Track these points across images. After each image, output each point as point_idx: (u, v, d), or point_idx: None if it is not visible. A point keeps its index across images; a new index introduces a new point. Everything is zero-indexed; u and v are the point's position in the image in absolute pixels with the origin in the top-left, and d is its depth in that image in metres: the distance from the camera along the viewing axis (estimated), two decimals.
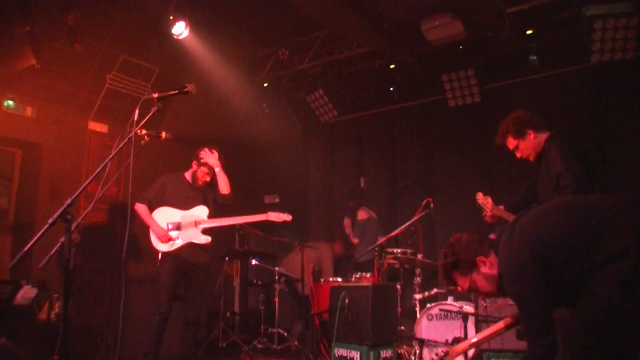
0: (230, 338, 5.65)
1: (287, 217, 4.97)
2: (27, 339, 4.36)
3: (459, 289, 2.48)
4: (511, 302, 4.01)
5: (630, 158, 5.37)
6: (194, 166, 4.77)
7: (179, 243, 4.59)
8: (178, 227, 4.63)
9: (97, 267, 5.98)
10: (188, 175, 4.82)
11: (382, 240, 5.33)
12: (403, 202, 6.85)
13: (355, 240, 6.55)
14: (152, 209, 4.67)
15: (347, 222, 6.75)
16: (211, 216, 4.75)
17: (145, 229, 4.70)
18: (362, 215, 6.58)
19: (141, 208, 4.62)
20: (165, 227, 4.60)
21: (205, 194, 4.83)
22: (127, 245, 2.82)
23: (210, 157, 4.74)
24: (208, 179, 4.77)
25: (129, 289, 5.74)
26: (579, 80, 5.81)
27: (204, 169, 4.73)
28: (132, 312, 5.79)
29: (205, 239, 4.66)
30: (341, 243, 6.93)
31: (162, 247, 4.57)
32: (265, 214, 4.91)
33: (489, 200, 3.84)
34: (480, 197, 3.89)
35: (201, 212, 4.72)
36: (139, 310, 5.76)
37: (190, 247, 4.62)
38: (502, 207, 3.81)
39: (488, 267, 2.36)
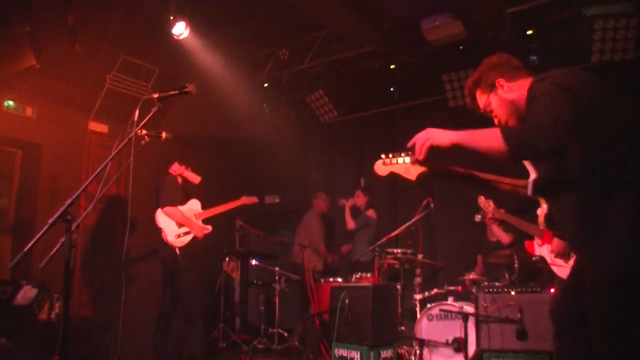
0: (230, 338, 5.64)
1: (254, 199, 5.78)
2: (27, 339, 4.36)
3: (480, 107, 2.46)
4: (511, 302, 4.03)
5: None
6: (176, 166, 5.24)
7: (189, 237, 4.97)
8: None
9: (97, 267, 5.97)
10: (172, 172, 5.23)
11: (382, 240, 5.34)
12: (403, 202, 6.85)
13: (352, 226, 6.51)
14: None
15: (349, 204, 6.70)
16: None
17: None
18: (372, 213, 6.57)
19: (174, 210, 4.96)
20: (177, 227, 4.95)
21: (188, 188, 5.31)
22: (127, 245, 2.82)
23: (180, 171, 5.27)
24: (183, 173, 5.28)
25: (129, 289, 5.75)
26: None
27: (174, 168, 5.23)
28: (132, 312, 5.79)
29: (208, 228, 5.12)
30: (333, 252, 6.93)
31: (179, 242, 4.92)
32: (239, 199, 5.59)
33: (491, 203, 3.85)
34: (481, 200, 3.90)
35: (195, 204, 5.23)
36: (139, 310, 5.76)
37: (195, 237, 5.03)
38: (502, 210, 3.81)
39: (505, 91, 2.33)
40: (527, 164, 2.30)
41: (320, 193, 6.98)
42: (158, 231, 5.00)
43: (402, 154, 2.36)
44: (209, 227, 5.16)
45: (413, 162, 2.32)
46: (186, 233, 4.98)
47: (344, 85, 7.12)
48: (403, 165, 2.34)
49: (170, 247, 4.92)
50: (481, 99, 2.46)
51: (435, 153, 2.15)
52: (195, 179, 5.30)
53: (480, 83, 2.41)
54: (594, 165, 2.00)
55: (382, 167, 2.37)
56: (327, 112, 7.21)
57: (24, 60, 4.93)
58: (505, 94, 2.33)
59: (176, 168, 5.23)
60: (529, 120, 2.02)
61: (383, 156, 2.39)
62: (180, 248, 4.93)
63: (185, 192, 5.25)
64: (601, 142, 1.99)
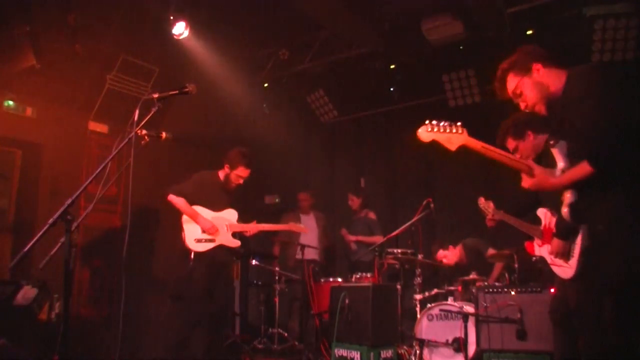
0: (230, 338, 5.64)
1: (306, 230, 5.51)
2: (27, 339, 4.36)
3: (508, 91, 2.55)
4: (511, 302, 4.03)
5: None
6: (227, 169, 4.77)
7: (212, 244, 4.62)
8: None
9: (97, 267, 5.97)
10: (221, 175, 4.82)
11: (379, 239, 5.34)
12: (403, 202, 6.85)
13: (355, 247, 6.49)
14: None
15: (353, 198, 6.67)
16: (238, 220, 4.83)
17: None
18: (373, 215, 6.58)
19: (180, 201, 4.58)
20: (201, 232, 4.60)
21: (230, 196, 4.88)
22: (127, 245, 2.82)
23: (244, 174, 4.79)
24: (241, 182, 4.80)
25: (129, 289, 5.74)
26: None
27: (237, 173, 4.73)
28: (132, 312, 5.79)
29: (235, 242, 4.73)
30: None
31: (197, 247, 4.58)
32: (288, 224, 5.34)
33: (490, 204, 3.84)
34: (481, 202, 3.89)
35: (231, 215, 4.80)
36: (139, 310, 5.76)
37: (220, 248, 4.67)
38: (502, 211, 3.81)
39: (540, 75, 2.44)
40: (555, 153, 2.41)
41: (302, 193, 6.94)
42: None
43: (446, 123, 2.44)
44: (238, 242, 4.75)
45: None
46: (209, 240, 4.62)
47: (344, 85, 7.12)
48: (445, 134, 2.40)
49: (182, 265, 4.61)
50: (512, 82, 2.54)
51: None
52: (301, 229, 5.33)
53: (515, 65, 2.51)
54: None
55: (425, 133, 2.43)
56: (327, 112, 7.21)
57: (24, 60, 4.93)
58: (540, 79, 2.45)
59: (239, 172, 4.74)
60: (596, 124, 2.16)
61: (427, 122, 2.44)
62: (197, 254, 4.57)
63: (225, 199, 4.82)
64: None
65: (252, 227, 4.81)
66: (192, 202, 4.65)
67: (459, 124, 2.43)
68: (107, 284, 6.05)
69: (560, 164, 2.37)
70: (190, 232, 4.61)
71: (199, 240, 4.61)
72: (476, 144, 2.42)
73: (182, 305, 4.57)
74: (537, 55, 2.50)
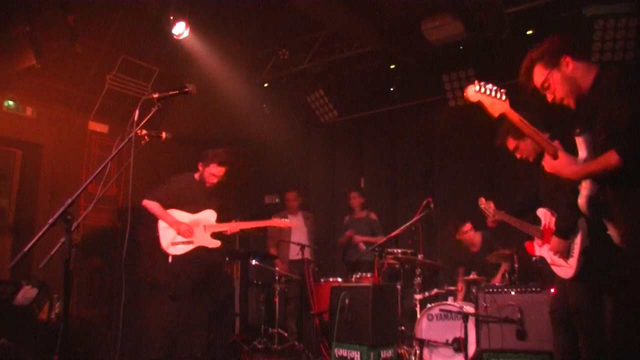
0: (230, 338, 5.64)
1: (291, 223, 5.18)
2: (27, 339, 4.36)
3: (536, 82, 2.50)
4: (511, 302, 4.03)
5: None
6: (200, 167, 4.73)
7: (189, 247, 4.54)
8: None
9: (97, 267, 5.98)
10: (197, 176, 4.76)
11: (382, 240, 5.34)
12: (403, 202, 6.85)
13: (363, 247, 6.48)
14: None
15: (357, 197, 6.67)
16: (217, 220, 4.72)
17: (147, 229, 4.71)
18: (374, 216, 6.58)
19: (154, 205, 4.55)
20: (174, 233, 4.55)
21: (211, 196, 4.80)
22: (127, 245, 2.82)
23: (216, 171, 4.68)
24: (215, 180, 4.72)
25: (129, 289, 5.75)
26: None
27: (210, 171, 4.67)
28: (132, 312, 5.79)
29: (215, 243, 4.63)
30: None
31: (173, 250, 4.52)
32: (270, 220, 4.99)
33: (491, 205, 3.84)
34: (482, 202, 3.89)
35: (209, 215, 4.69)
36: (139, 310, 5.76)
37: (200, 249, 4.59)
38: (503, 212, 3.81)
39: (570, 69, 2.39)
40: (579, 142, 2.35)
41: (289, 192, 6.85)
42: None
43: (494, 87, 2.36)
44: (218, 242, 4.62)
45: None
46: (186, 242, 4.54)
47: (344, 85, 7.12)
48: (490, 98, 2.34)
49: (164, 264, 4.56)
50: (540, 74, 2.49)
51: None
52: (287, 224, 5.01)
53: (544, 57, 2.46)
54: None
55: (473, 92, 2.35)
56: (327, 112, 7.21)
57: (24, 60, 4.93)
58: (570, 72, 2.40)
59: (212, 170, 4.65)
60: (633, 119, 2.09)
61: (477, 81, 2.37)
62: (178, 257, 4.50)
63: (204, 200, 4.71)
64: None
65: (231, 226, 4.67)
66: (168, 206, 4.60)
67: (503, 90, 2.36)
68: (107, 284, 6.05)
69: (582, 154, 2.32)
70: (166, 236, 4.56)
71: (174, 244, 4.54)
72: (514, 116, 2.37)
73: (171, 307, 4.52)
74: (567, 47, 2.44)
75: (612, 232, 2.40)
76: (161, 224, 4.60)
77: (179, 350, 4.68)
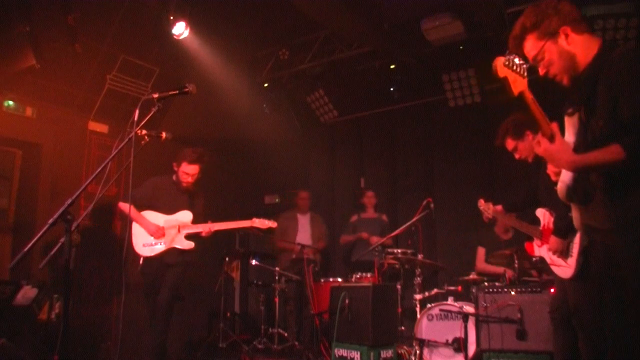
0: (230, 338, 5.65)
1: (272, 224, 4.78)
2: (27, 339, 4.36)
3: (527, 53, 2.20)
4: (511, 302, 4.03)
5: None
6: (174, 167, 4.70)
7: (160, 248, 4.54)
8: None
9: (97, 267, 5.97)
10: (174, 177, 4.75)
11: (382, 240, 5.34)
12: (403, 202, 6.85)
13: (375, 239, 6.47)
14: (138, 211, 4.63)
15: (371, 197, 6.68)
16: (196, 221, 4.65)
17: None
18: (386, 218, 6.58)
19: (126, 206, 4.40)
20: (146, 234, 4.55)
21: (193, 197, 4.76)
22: (127, 245, 2.82)
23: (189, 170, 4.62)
24: (190, 179, 4.66)
25: (129, 290, 5.76)
26: None
27: (182, 169, 4.63)
28: (132, 312, 5.79)
29: (188, 244, 4.58)
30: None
31: (145, 252, 4.54)
32: (250, 220, 4.73)
33: (490, 206, 3.85)
34: (481, 203, 3.90)
35: (184, 216, 4.64)
36: (138, 310, 5.76)
37: (172, 250, 4.58)
38: (499, 207, 3.82)
39: (569, 42, 2.10)
40: (567, 123, 2.18)
41: (303, 191, 6.90)
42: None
43: (521, 62, 2.13)
44: (191, 244, 4.56)
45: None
46: (158, 244, 4.52)
47: (344, 85, 7.12)
48: (515, 74, 2.10)
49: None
50: (534, 46, 2.17)
51: None
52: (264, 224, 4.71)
53: (539, 26, 2.13)
54: None
55: (502, 66, 2.10)
56: (327, 112, 7.21)
57: (24, 60, 4.93)
58: (569, 46, 2.10)
59: (184, 168, 4.60)
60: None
61: (507, 54, 2.14)
62: (147, 259, 4.51)
63: (181, 201, 4.68)
64: None
65: (206, 227, 4.58)
66: (143, 207, 4.60)
67: (525, 66, 2.13)
68: (107, 284, 6.05)
69: (570, 137, 2.14)
70: (138, 237, 4.56)
71: (146, 245, 4.55)
72: (529, 95, 2.12)
73: (140, 310, 4.63)
74: (566, 16, 2.11)
75: (576, 215, 2.23)
76: (134, 226, 4.60)
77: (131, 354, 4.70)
